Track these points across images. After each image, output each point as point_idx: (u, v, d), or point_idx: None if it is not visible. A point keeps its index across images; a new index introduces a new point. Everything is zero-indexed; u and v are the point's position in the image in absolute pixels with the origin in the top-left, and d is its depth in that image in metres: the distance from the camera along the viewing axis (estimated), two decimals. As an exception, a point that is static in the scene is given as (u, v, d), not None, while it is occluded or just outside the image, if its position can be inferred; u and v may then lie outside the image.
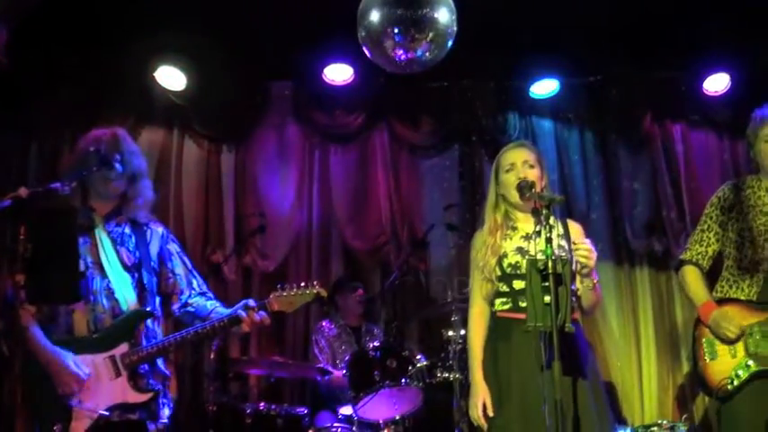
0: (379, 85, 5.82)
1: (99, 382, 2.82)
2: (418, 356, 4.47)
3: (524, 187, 2.97)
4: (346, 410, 4.59)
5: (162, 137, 5.58)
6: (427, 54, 4.02)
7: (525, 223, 3.15)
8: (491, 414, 2.89)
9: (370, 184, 5.93)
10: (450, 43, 4.00)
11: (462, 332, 4.61)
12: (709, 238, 3.36)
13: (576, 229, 3.08)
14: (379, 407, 4.31)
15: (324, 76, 5.65)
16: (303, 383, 5.42)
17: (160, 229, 3.23)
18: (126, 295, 2.96)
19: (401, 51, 3.99)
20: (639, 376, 5.68)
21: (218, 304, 3.17)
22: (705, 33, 5.24)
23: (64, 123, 5.14)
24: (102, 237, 3.04)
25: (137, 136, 5.20)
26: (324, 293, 3.18)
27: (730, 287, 3.29)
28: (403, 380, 4.27)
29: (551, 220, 2.71)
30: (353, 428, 4.35)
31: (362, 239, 5.84)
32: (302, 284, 3.13)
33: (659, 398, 5.64)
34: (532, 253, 2.97)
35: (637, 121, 5.99)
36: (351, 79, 5.69)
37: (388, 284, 5.42)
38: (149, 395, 2.89)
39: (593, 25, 5.28)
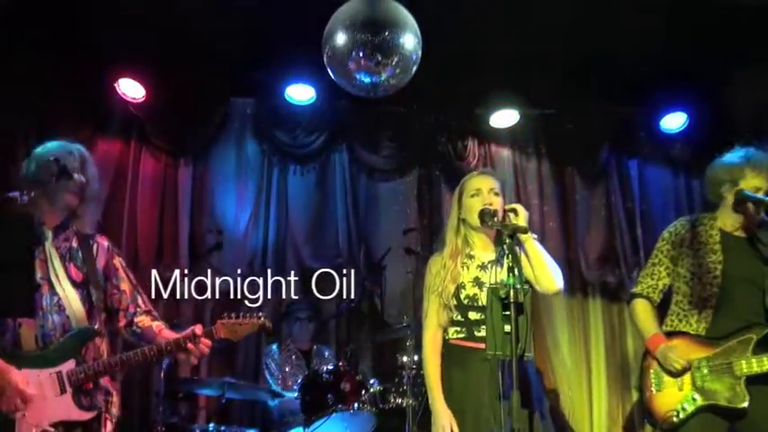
0: (341, 106, 5.83)
1: (43, 398, 2.75)
2: (372, 381, 4.44)
3: (487, 214, 3.01)
4: (296, 433, 4.53)
5: (119, 148, 5.48)
6: (391, 79, 4.05)
7: (482, 251, 3.18)
8: None
9: (328, 205, 5.91)
10: (414, 69, 4.03)
11: (416, 357, 4.60)
12: (660, 272, 3.43)
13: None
14: (332, 430, 4.25)
15: (286, 95, 5.64)
16: (253, 405, 5.33)
17: (105, 243, 3.18)
18: (75, 311, 2.91)
19: (365, 75, 4.01)
20: (590, 406, 5.73)
21: (163, 326, 3.12)
22: (664, 72, 5.38)
23: (18, 129, 5.00)
24: (51, 252, 2.98)
25: (93, 146, 5.09)
26: (269, 326, 3.16)
27: (680, 321, 3.35)
28: (356, 404, 4.23)
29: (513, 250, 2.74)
30: (303, 453, 4.27)
31: (319, 260, 5.79)
32: (248, 314, 3.14)
33: (608, 428, 5.69)
34: (489, 283, 3.00)
35: (593, 154, 6.10)
36: (312, 99, 5.68)
37: (343, 307, 5.37)
38: (93, 413, 2.85)
39: (553, 59, 5.37)
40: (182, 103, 5.39)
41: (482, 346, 2.92)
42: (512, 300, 2.66)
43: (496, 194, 3.15)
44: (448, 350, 3.11)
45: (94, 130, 5.31)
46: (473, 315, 3.04)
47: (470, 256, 3.15)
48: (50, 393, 2.77)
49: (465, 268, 3.12)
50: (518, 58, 5.37)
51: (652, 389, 3.27)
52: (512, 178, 6.08)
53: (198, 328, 2.98)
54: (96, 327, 2.95)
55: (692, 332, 3.27)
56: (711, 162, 3.50)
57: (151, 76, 5.18)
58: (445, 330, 3.13)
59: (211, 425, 4.40)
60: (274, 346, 5.31)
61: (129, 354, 2.92)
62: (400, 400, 4.42)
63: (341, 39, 3.91)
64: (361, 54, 3.94)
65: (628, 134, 6.11)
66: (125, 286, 3.13)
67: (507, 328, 2.70)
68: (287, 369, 5.16)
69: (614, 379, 5.84)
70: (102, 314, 3.04)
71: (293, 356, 5.26)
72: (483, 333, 2.97)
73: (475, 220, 3.10)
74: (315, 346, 5.38)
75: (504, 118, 6.01)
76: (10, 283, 2.35)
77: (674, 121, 5.88)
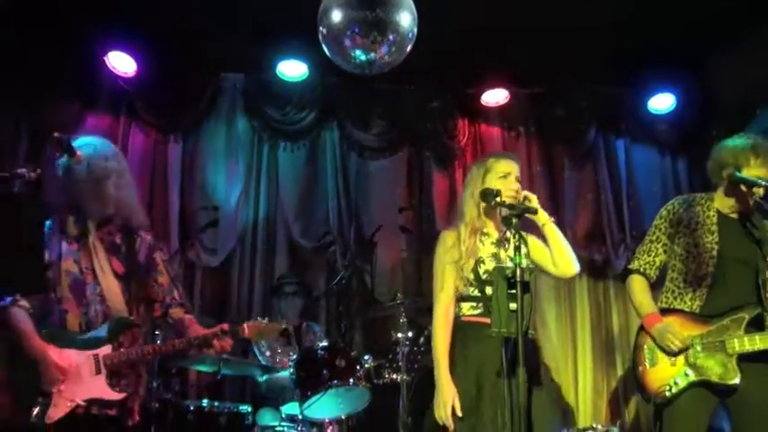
0: (332, 83, 5.81)
1: (79, 376, 2.97)
2: (366, 357, 4.47)
3: (489, 194, 3.02)
4: (289, 409, 4.55)
5: (108, 124, 5.41)
6: (387, 57, 4.04)
7: (493, 229, 3.20)
8: (459, 414, 2.90)
9: (319, 182, 5.91)
10: (409, 47, 4.02)
11: (410, 334, 4.64)
12: (657, 249, 3.46)
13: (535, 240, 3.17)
14: (326, 406, 4.30)
15: (277, 72, 5.60)
16: (243, 381, 5.34)
17: (149, 238, 3.34)
18: (116, 302, 3.11)
19: (360, 52, 3.99)
20: (575, 381, 5.82)
21: (194, 319, 3.32)
22: (653, 54, 5.43)
23: (6, 103, 4.92)
24: (95, 244, 3.17)
25: (82, 121, 5.03)
26: (290, 331, 3.69)
27: (675, 298, 3.39)
28: (351, 380, 4.26)
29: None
30: (298, 427, 4.31)
31: (309, 237, 5.80)
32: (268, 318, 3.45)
33: (594, 402, 5.80)
34: (503, 260, 3.03)
35: (582, 134, 6.16)
36: (305, 76, 5.66)
37: (334, 284, 5.40)
38: (123, 395, 3.03)
39: (542, 38, 5.39)
40: (172, 78, 5.35)
41: None
42: (518, 279, 2.70)
43: (519, 181, 3.20)
44: (461, 327, 3.10)
45: (83, 105, 5.25)
46: (490, 290, 3.04)
47: (485, 233, 3.17)
48: (86, 373, 2.99)
49: (482, 243, 3.14)
50: (509, 38, 5.39)
51: (646, 364, 3.32)
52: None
53: (225, 327, 3.20)
54: (133, 317, 3.14)
55: (686, 309, 3.32)
56: (719, 143, 3.51)
57: (142, 50, 5.12)
58: (458, 306, 3.13)
59: (205, 401, 4.40)
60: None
61: (161, 344, 3.18)
62: (395, 376, 4.47)
63: (337, 16, 3.88)
64: (356, 31, 3.91)
65: (616, 115, 6.18)
66: (163, 280, 3.31)
67: (512, 306, 2.73)
68: (276, 346, 5.17)
69: (599, 355, 5.94)
70: (140, 305, 3.23)
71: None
72: None
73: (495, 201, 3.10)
74: (304, 324, 5.38)
75: (495, 97, 6.04)
76: (17, 260, 2.38)
77: (661, 103, 5.95)
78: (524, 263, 2.73)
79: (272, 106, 5.80)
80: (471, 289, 3.08)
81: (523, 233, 2.79)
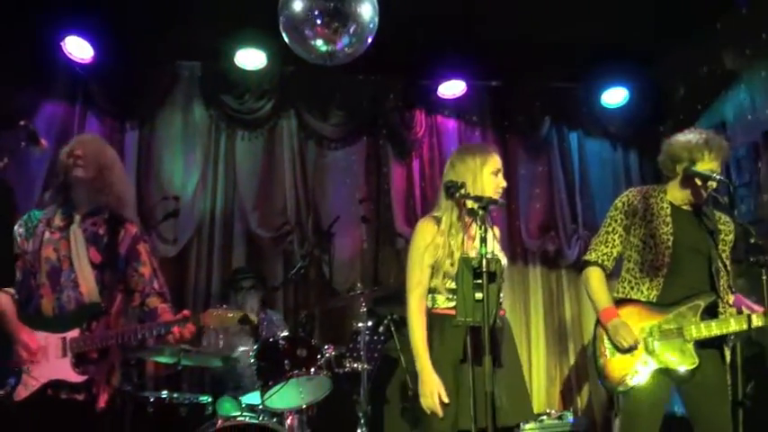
0: (290, 73, 5.80)
1: (47, 358, 3.08)
2: (326, 346, 4.50)
3: (453, 187, 3.04)
4: (250, 399, 4.56)
5: (63, 110, 5.31)
6: (347, 48, 4.05)
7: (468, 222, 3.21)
8: (446, 401, 2.88)
9: (277, 172, 5.90)
10: (370, 39, 4.04)
11: (370, 323, 4.69)
12: (614, 240, 3.50)
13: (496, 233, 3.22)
14: (287, 396, 4.30)
15: (235, 60, 5.57)
16: (201, 372, 5.31)
17: (134, 230, 3.39)
18: (89, 289, 3.18)
19: (321, 43, 3.99)
20: (529, 369, 5.95)
21: (167, 308, 3.35)
22: (606, 49, 5.56)
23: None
24: (76, 234, 3.24)
25: (37, 107, 4.91)
26: (253, 319, 3.45)
27: (631, 288, 3.45)
28: (312, 369, 4.28)
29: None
30: (259, 417, 4.31)
31: (266, 228, 5.79)
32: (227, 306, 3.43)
33: (547, 389, 5.95)
34: (472, 253, 3.03)
35: (536, 127, 6.28)
36: (262, 65, 5.63)
37: (292, 274, 5.40)
38: (84, 378, 3.09)
39: (499, 31, 5.48)
40: (129, 65, 5.26)
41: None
42: (484, 269, 2.75)
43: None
44: (436, 319, 3.04)
45: (39, 92, 5.13)
46: None
47: (462, 226, 3.17)
48: (53, 355, 3.08)
49: (466, 236, 3.14)
50: (466, 31, 5.46)
51: (606, 354, 3.38)
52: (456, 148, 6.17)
53: (186, 313, 3.22)
54: (104, 305, 3.18)
55: (642, 299, 3.41)
56: (671, 138, 3.59)
57: (99, 36, 5.02)
58: (431, 298, 3.08)
59: (164, 392, 4.37)
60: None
61: (123, 330, 3.16)
62: (355, 365, 4.51)
63: (298, 5, 3.87)
64: (318, 21, 3.91)
65: (569, 108, 6.32)
66: (145, 270, 3.37)
67: (478, 295, 2.77)
68: (232, 334, 5.13)
69: (552, 343, 6.09)
70: (118, 294, 3.29)
71: (238, 323, 5.25)
72: None
73: (486, 193, 3.07)
74: (262, 312, 5.36)
75: (451, 89, 6.11)
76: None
77: (614, 97, 6.11)
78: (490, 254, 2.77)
79: (229, 95, 5.76)
80: (449, 281, 3.04)
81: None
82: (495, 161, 3.15)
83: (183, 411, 4.29)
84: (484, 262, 2.75)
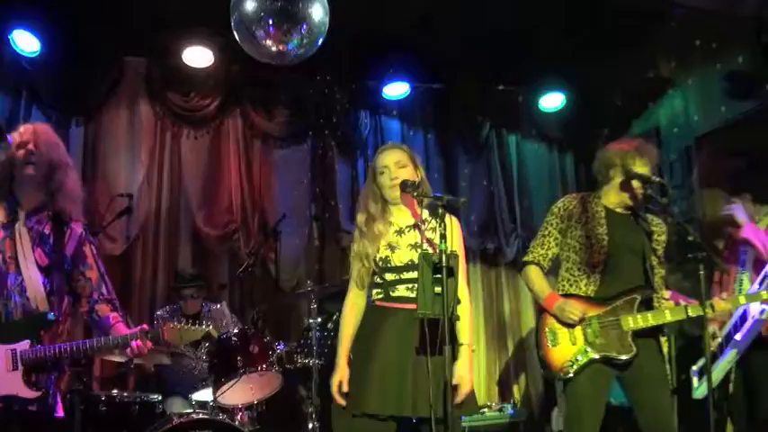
0: (237, 72, 5.81)
1: None
2: (277, 343, 4.55)
3: (410, 186, 3.16)
4: (200, 396, 4.57)
5: (8, 105, 5.20)
6: (298, 49, 4.12)
7: (399, 218, 3.34)
8: (345, 390, 3.04)
9: (222, 170, 5.91)
10: (320, 41, 4.12)
11: (320, 319, 4.77)
12: (550, 243, 3.71)
13: (456, 227, 3.36)
14: (239, 392, 4.34)
15: (183, 58, 5.55)
16: (147, 370, 5.27)
17: (80, 230, 3.18)
18: (36, 294, 2.98)
19: (272, 43, 4.05)
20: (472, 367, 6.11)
21: (119, 318, 3.19)
22: (545, 57, 5.80)
23: None
24: (21, 232, 3.04)
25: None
26: (214, 335, 3.25)
27: (570, 285, 3.64)
28: (263, 365, 4.33)
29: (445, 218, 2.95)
30: (210, 414, 4.32)
31: (212, 226, 5.80)
32: (187, 322, 3.22)
33: (486, 383, 6.14)
34: (402, 246, 3.19)
35: (477, 129, 6.48)
36: (209, 63, 5.63)
37: (239, 272, 5.42)
38: (39, 393, 2.92)
39: (443, 36, 5.64)
40: (76, 60, 5.18)
41: (399, 305, 3.11)
42: (443, 264, 2.88)
43: (403, 167, 3.24)
44: (371, 312, 3.22)
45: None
46: (389, 276, 3.17)
47: (389, 222, 3.30)
48: (2, 368, 2.87)
49: (384, 233, 3.27)
50: (410, 33, 5.60)
51: (548, 345, 3.56)
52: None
53: (145, 327, 3.08)
54: (53, 314, 3.00)
55: (581, 294, 3.61)
56: (604, 145, 3.85)
57: (46, 29, 4.94)
58: (370, 293, 3.24)
59: (114, 390, 4.35)
60: (160, 312, 5.28)
61: (80, 344, 2.98)
62: (306, 360, 4.58)
63: (250, 5, 3.91)
64: (269, 22, 3.96)
65: (509, 111, 6.53)
66: (91, 274, 3.17)
67: (437, 289, 2.90)
68: None
69: (491, 338, 6.29)
70: (65, 298, 3.10)
71: (180, 321, 5.24)
72: (397, 293, 3.14)
73: (390, 196, 3.23)
74: (203, 311, 5.34)
75: (395, 90, 6.24)
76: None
77: (551, 102, 6.35)
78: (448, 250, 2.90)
79: (175, 92, 5.74)
80: (375, 276, 3.20)
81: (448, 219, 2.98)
82: (379, 161, 3.28)
83: (135, 410, 4.27)
84: (443, 258, 2.89)
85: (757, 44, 5.00)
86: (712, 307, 3.47)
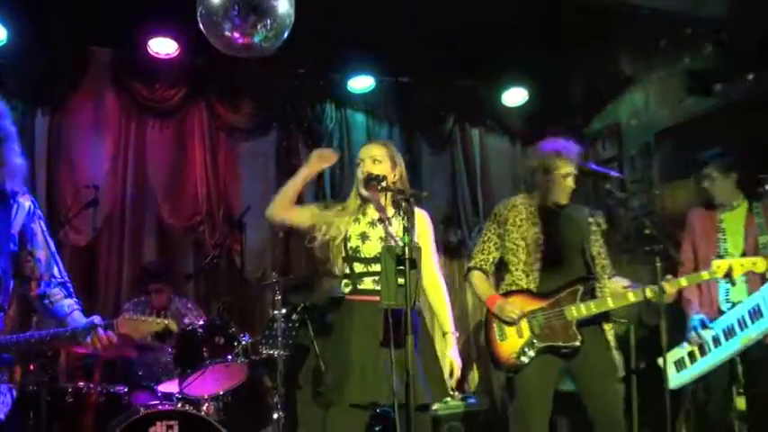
0: (202, 63, 5.80)
1: None
2: (243, 335, 4.60)
3: (373, 179, 3.25)
4: (166, 387, 4.60)
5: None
6: (264, 43, 4.14)
7: (372, 212, 3.43)
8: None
9: (187, 161, 5.91)
10: (286, 33, 4.15)
11: (284, 311, 4.81)
12: (490, 248, 3.87)
13: (424, 220, 3.45)
14: (205, 383, 4.38)
15: (148, 48, 5.53)
16: (113, 363, 5.26)
17: (27, 204, 2.90)
18: None
19: (238, 35, 4.07)
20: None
21: (75, 306, 2.95)
22: (508, 50, 5.88)
23: None
24: None
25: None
26: (173, 328, 3.00)
27: (512, 284, 3.79)
28: (229, 356, 4.38)
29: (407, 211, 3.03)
30: (176, 405, 4.35)
31: (177, 217, 5.80)
32: (153, 314, 3.03)
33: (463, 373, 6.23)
34: (374, 239, 3.27)
35: (440, 123, 6.57)
36: (175, 54, 5.61)
37: (205, 264, 5.45)
38: None
39: (408, 30, 5.69)
40: (41, 49, 5.14)
41: (366, 298, 3.21)
42: (407, 256, 2.96)
43: (377, 161, 3.34)
44: (336, 305, 3.36)
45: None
46: (357, 267, 3.27)
47: (364, 213, 3.39)
48: None
49: (356, 222, 3.36)
50: (376, 26, 5.64)
51: (496, 339, 3.71)
52: (365, 141, 6.37)
53: (96, 318, 2.86)
54: None
55: (523, 288, 3.75)
56: (531, 149, 4.00)
57: (12, 18, 4.89)
58: (340, 285, 3.36)
59: (81, 383, 4.35)
60: (127, 304, 5.29)
61: (27, 336, 2.77)
62: (271, 351, 4.63)
63: (216, -3, 3.92)
64: (235, 14, 3.98)
65: (472, 106, 6.63)
66: (41, 254, 2.91)
67: (401, 281, 2.99)
68: None
69: (455, 329, 6.36)
70: (10, 282, 2.83)
71: (145, 313, 5.26)
72: (364, 286, 3.25)
73: (361, 188, 3.34)
74: (171, 304, 5.37)
75: (360, 83, 6.30)
76: None
77: (514, 96, 6.46)
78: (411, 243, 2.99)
79: (140, 83, 5.71)
80: (344, 266, 3.32)
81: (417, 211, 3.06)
82: (359, 153, 3.44)
83: (101, 401, 4.28)
84: (407, 250, 2.97)
85: (717, 43, 5.17)
86: (663, 290, 3.58)
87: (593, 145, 6.40)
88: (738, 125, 4.91)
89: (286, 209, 3.42)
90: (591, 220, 3.85)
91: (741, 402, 4.23)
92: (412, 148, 6.56)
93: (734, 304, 4.06)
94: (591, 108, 6.32)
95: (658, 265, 3.50)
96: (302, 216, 3.43)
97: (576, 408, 3.80)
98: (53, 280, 2.92)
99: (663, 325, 3.42)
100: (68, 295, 2.95)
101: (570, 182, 3.76)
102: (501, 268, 3.91)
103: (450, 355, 3.35)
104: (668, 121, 5.72)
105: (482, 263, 3.87)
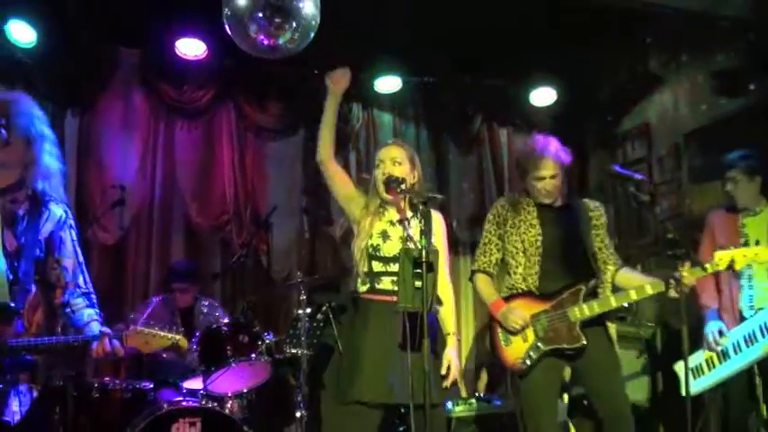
0: (230, 64, 5.86)
1: None
2: (267, 333, 4.64)
3: (393, 182, 3.26)
4: (191, 384, 4.65)
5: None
6: (289, 44, 4.17)
7: (392, 213, 3.43)
8: None
9: (215, 161, 5.97)
10: (312, 35, 4.17)
11: (309, 310, 4.84)
12: (491, 249, 3.85)
13: (438, 222, 3.45)
14: (229, 380, 4.43)
15: (176, 49, 5.61)
16: (139, 358, 5.34)
17: (59, 212, 2.94)
18: None
19: (264, 37, 4.10)
20: (459, 355, 6.19)
21: (95, 316, 3.00)
22: (537, 50, 5.85)
23: None
24: None
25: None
26: (183, 346, 3.05)
27: (513, 287, 3.75)
28: (253, 355, 4.42)
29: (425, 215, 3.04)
30: (201, 402, 4.41)
31: (205, 216, 5.87)
32: (164, 328, 3.03)
33: (476, 375, 6.22)
34: (394, 238, 3.27)
35: (468, 123, 6.55)
36: (203, 55, 5.68)
37: (232, 263, 5.50)
38: None
39: (435, 31, 5.69)
40: (71, 50, 5.24)
41: (383, 298, 3.21)
42: (424, 259, 2.96)
43: (398, 164, 3.35)
44: (354, 304, 3.34)
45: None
46: (376, 266, 3.27)
47: (384, 213, 3.40)
48: None
49: (378, 221, 3.36)
50: (404, 27, 5.64)
51: (502, 344, 3.70)
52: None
53: (106, 330, 2.91)
54: (13, 306, 2.78)
55: (526, 290, 3.71)
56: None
57: (42, 20, 4.98)
58: (354, 283, 3.36)
59: (106, 378, 4.43)
60: (156, 299, 5.36)
61: (39, 341, 2.81)
62: (295, 350, 4.67)
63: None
64: (260, 16, 4.01)
65: (500, 106, 6.61)
66: (68, 263, 2.95)
67: (418, 283, 2.99)
68: (156, 324, 5.15)
69: (482, 331, 6.36)
70: (31, 287, 2.85)
71: (170, 314, 5.33)
72: (383, 286, 3.25)
73: (381, 190, 3.34)
74: (196, 303, 5.43)
75: (388, 84, 6.30)
76: None
77: (543, 96, 6.41)
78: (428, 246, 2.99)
79: (169, 84, 5.79)
80: (362, 265, 3.30)
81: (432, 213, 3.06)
82: (378, 155, 3.47)
83: (127, 397, 4.33)
84: (423, 253, 2.97)
85: (745, 43, 5.07)
86: (677, 281, 3.50)
87: (623, 145, 6.34)
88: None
89: (329, 152, 3.58)
90: (591, 214, 3.82)
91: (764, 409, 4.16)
92: (439, 148, 6.57)
93: (757, 310, 3.99)
94: (620, 108, 6.25)
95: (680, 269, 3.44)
96: (343, 181, 3.49)
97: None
98: (77, 289, 2.97)
99: (684, 331, 3.35)
100: (90, 305, 3.00)
101: (548, 183, 3.71)
102: (502, 269, 3.89)
103: (448, 354, 3.32)
104: (697, 122, 5.63)
105: (485, 265, 3.85)
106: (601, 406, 3.62)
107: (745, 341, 3.97)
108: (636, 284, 3.64)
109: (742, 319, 4.04)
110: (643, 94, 6.10)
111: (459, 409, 5.32)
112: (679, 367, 4.18)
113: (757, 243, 3.98)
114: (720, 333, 4.03)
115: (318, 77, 6.09)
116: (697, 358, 4.15)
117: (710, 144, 5.49)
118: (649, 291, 3.57)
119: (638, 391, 5.21)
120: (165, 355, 4.83)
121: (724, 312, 4.08)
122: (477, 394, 5.73)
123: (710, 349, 4.09)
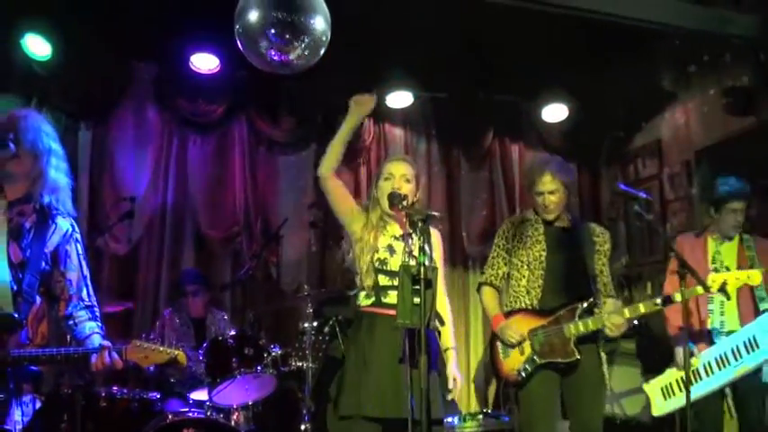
0: (243, 78, 5.91)
1: None
2: (273, 346, 4.67)
3: (396, 197, 3.28)
4: (197, 396, 4.69)
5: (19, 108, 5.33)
6: (300, 60, 4.23)
7: (395, 227, 3.45)
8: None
9: (227, 174, 6.03)
10: (323, 51, 4.22)
11: (315, 324, 4.88)
12: (499, 263, 3.97)
13: (436, 239, 3.46)
14: (234, 392, 4.46)
15: (190, 64, 5.69)
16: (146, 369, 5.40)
17: (66, 225, 2.98)
18: (2, 292, 2.80)
19: (275, 53, 4.16)
20: (468, 370, 6.22)
21: (97, 329, 3.01)
22: (548, 66, 5.87)
23: None
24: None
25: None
26: (182, 362, 3.04)
27: (515, 301, 3.88)
28: (258, 367, 4.45)
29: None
30: (207, 413, 4.45)
31: (216, 228, 5.92)
32: (164, 344, 3.03)
33: (483, 390, 6.21)
34: (399, 252, 3.29)
35: (479, 138, 6.57)
36: (216, 69, 5.75)
37: (241, 275, 5.55)
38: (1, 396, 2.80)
39: (446, 47, 5.72)
40: (85, 64, 5.33)
41: (389, 312, 3.19)
42: (422, 276, 2.98)
43: (407, 181, 3.39)
44: (358, 317, 3.36)
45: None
46: (382, 280, 3.29)
47: (386, 227, 3.43)
48: None
49: (382, 235, 3.39)
50: (415, 43, 5.68)
51: (500, 356, 3.83)
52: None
53: (106, 344, 2.92)
54: (15, 317, 2.82)
55: (527, 307, 3.81)
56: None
57: (57, 34, 5.08)
58: (357, 297, 3.39)
59: (114, 387, 4.47)
60: (167, 312, 5.41)
61: (41, 352, 2.86)
62: (300, 363, 4.70)
63: (254, 15, 3.99)
64: (272, 32, 4.06)
65: (512, 122, 6.62)
66: (73, 276, 2.99)
67: (416, 300, 3.00)
68: (171, 335, 5.21)
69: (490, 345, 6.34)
70: (35, 299, 2.92)
71: (184, 326, 5.38)
72: (389, 300, 3.26)
73: (385, 204, 3.36)
74: (209, 314, 5.51)
75: (399, 99, 6.32)
76: None
77: (554, 113, 6.41)
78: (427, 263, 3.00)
79: (182, 98, 5.86)
80: (367, 278, 3.32)
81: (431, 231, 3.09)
82: (387, 167, 3.49)
83: (134, 407, 4.37)
84: (422, 270, 2.98)
85: (756, 62, 5.07)
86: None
87: (634, 162, 6.33)
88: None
89: (332, 167, 3.49)
90: (596, 239, 3.92)
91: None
92: (450, 164, 6.59)
93: (728, 333, 4.07)
94: (631, 125, 6.24)
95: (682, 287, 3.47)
96: (343, 196, 3.47)
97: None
98: (81, 302, 3.00)
99: (684, 351, 3.33)
100: (92, 318, 3.03)
101: (547, 199, 3.80)
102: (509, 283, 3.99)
103: (449, 370, 3.38)
104: (709, 139, 5.62)
105: (492, 278, 3.99)
106: (574, 421, 3.74)
107: (717, 363, 4.03)
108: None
109: (711, 342, 4.11)
110: (655, 111, 6.09)
111: (467, 425, 5.33)
112: (648, 388, 4.33)
113: (727, 269, 4.06)
114: (691, 354, 4.05)
115: (331, 92, 6.21)
116: (668, 378, 4.23)
117: (722, 161, 5.48)
118: (642, 309, 3.69)
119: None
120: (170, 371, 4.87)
121: (693, 336, 4.11)
122: (484, 410, 5.71)
123: (680, 368, 4.11)
